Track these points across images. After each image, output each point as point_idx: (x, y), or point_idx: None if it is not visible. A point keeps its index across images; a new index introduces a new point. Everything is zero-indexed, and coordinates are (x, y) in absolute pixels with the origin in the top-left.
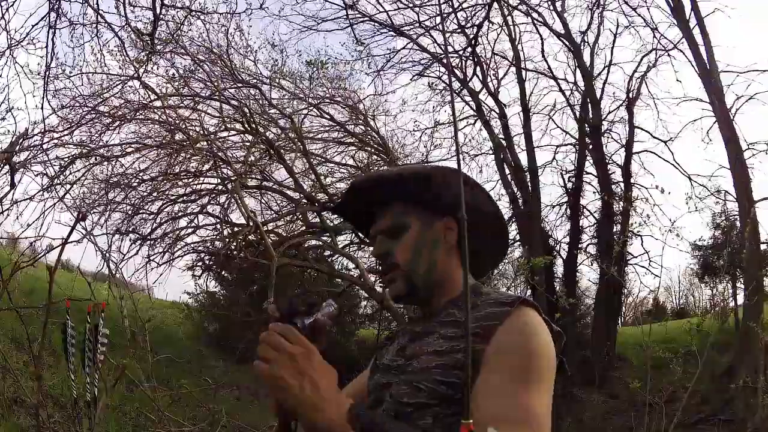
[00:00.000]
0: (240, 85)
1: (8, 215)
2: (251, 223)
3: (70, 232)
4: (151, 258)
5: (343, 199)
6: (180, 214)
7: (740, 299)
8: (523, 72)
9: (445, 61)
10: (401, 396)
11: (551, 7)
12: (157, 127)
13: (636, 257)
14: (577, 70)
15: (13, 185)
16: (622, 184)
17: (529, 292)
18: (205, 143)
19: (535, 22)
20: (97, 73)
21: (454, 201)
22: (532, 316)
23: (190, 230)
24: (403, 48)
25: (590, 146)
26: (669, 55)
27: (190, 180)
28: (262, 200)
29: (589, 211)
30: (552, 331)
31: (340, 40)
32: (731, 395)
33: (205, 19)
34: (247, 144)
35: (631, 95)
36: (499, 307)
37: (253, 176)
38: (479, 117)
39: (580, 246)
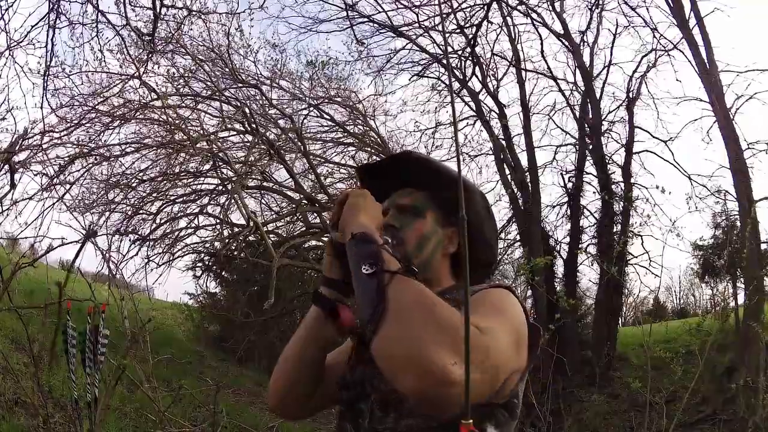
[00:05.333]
0: (240, 85)
1: (8, 215)
2: (251, 224)
3: (80, 250)
4: (151, 258)
5: (383, 162)
6: (180, 214)
7: (740, 299)
8: (523, 72)
9: (444, 61)
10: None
11: (550, 8)
12: (156, 127)
13: (636, 257)
14: (577, 70)
15: (13, 185)
16: (622, 184)
17: (529, 292)
18: (205, 143)
19: (534, 22)
20: (97, 71)
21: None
22: (506, 291)
23: (190, 231)
24: (403, 48)
25: (590, 146)
26: (669, 55)
27: (190, 180)
28: (263, 201)
29: (589, 211)
30: (528, 321)
31: (340, 39)
32: (732, 395)
33: (206, 19)
34: (248, 144)
35: (630, 95)
36: (476, 288)
37: (254, 177)
38: (479, 117)
39: (580, 246)
